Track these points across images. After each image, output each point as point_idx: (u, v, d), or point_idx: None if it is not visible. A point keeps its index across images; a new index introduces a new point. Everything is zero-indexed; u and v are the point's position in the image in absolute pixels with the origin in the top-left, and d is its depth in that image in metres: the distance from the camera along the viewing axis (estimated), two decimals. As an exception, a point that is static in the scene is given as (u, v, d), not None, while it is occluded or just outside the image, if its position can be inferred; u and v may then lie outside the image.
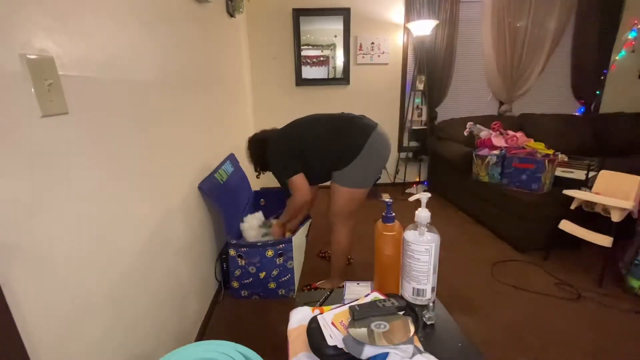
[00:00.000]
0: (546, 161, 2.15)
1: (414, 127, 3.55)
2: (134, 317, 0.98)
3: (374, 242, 0.82)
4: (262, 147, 1.63)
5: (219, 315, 1.68)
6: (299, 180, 1.54)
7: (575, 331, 1.52)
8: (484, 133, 2.69)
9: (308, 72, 3.37)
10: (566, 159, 2.47)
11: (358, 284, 0.88)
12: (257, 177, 1.79)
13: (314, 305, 0.79)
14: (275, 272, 1.73)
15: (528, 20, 3.30)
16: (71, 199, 0.74)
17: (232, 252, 1.71)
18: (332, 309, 0.71)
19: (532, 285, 1.86)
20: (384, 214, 0.80)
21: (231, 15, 2.42)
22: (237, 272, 1.74)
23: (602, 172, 1.98)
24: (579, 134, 3.20)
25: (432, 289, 0.78)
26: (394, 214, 0.80)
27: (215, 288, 1.80)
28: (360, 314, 0.65)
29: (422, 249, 0.73)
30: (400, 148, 3.69)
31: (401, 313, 0.68)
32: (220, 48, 2.14)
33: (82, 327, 0.76)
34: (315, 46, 3.31)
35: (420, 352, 0.60)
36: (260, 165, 1.72)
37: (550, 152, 2.29)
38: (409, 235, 0.76)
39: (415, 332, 0.64)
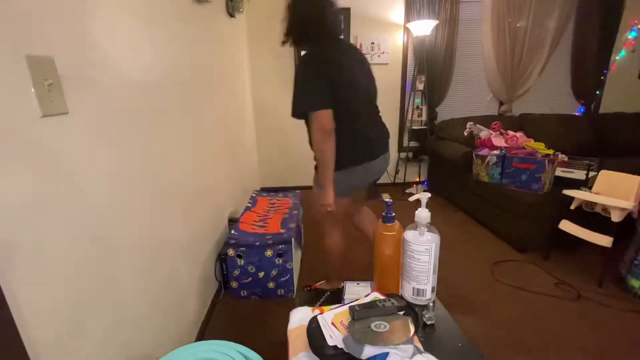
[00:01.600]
0: (546, 161, 2.15)
1: (414, 127, 3.55)
2: (134, 317, 0.98)
3: (374, 242, 0.82)
4: (314, 27, 1.30)
5: (219, 315, 1.68)
6: (323, 115, 1.23)
7: (575, 331, 1.52)
8: (484, 133, 2.69)
9: (308, 72, 3.36)
10: (566, 159, 2.47)
11: (358, 284, 0.88)
12: (283, 44, 1.41)
13: (314, 305, 0.79)
14: (274, 272, 1.73)
15: (528, 20, 3.30)
16: (71, 199, 0.74)
17: (231, 251, 1.71)
18: (332, 309, 0.71)
19: (532, 285, 1.86)
20: (384, 214, 0.80)
21: (231, 15, 2.42)
22: (236, 272, 1.74)
23: (602, 172, 1.98)
24: (579, 134, 3.20)
25: (432, 289, 0.78)
26: (394, 214, 0.79)
27: (215, 288, 1.80)
28: (360, 314, 0.65)
29: (422, 249, 0.73)
30: (400, 148, 3.69)
31: (401, 313, 0.68)
32: (220, 48, 2.13)
33: (82, 327, 0.76)
34: (315, 46, 3.31)
35: (420, 352, 0.60)
36: (298, 36, 1.35)
37: (550, 152, 2.29)
38: (409, 235, 0.76)
39: (415, 332, 0.64)
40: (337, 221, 1.56)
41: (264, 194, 2.48)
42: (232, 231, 1.79)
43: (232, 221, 2.06)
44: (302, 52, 1.36)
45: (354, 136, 1.35)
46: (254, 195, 2.41)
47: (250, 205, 2.22)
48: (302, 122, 1.37)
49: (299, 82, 1.27)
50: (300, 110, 1.28)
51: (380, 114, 1.48)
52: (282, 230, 1.86)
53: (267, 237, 1.76)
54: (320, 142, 1.28)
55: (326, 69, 1.23)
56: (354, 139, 1.35)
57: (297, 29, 1.35)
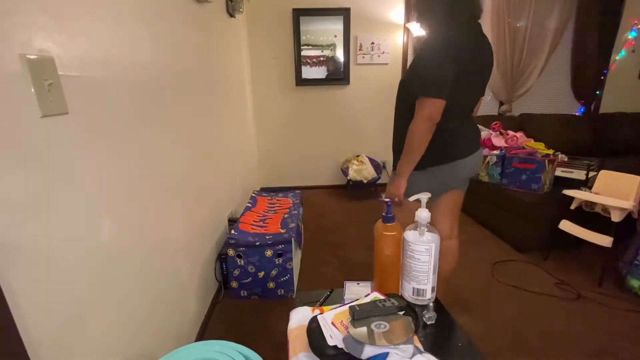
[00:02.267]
0: (546, 161, 2.15)
1: (414, 127, 3.54)
2: (134, 317, 0.98)
3: (374, 242, 0.82)
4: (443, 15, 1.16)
5: (219, 315, 1.68)
6: (439, 105, 1.10)
7: (575, 331, 1.52)
8: (484, 133, 2.69)
9: (308, 72, 3.37)
10: (566, 159, 2.47)
11: (358, 284, 0.88)
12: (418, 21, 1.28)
13: (314, 305, 0.79)
14: (274, 272, 1.73)
15: (528, 20, 3.30)
16: (71, 199, 0.74)
17: (230, 251, 1.71)
18: (332, 309, 0.71)
19: (532, 285, 1.86)
20: (384, 214, 0.80)
21: (231, 15, 2.42)
22: (236, 272, 1.74)
23: (602, 172, 1.98)
24: (579, 134, 3.20)
25: (432, 289, 0.78)
26: (394, 214, 0.79)
27: (215, 288, 1.80)
28: (360, 314, 0.65)
29: (422, 249, 0.73)
30: (400, 148, 3.69)
31: (401, 313, 0.68)
32: (220, 48, 2.14)
33: (82, 327, 0.76)
34: (315, 46, 3.31)
35: (420, 352, 0.59)
36: (428, 16, 1.22)
37: (550, 152, 2.29)
38: (409, 235, 0.76)
39: (415, 332, 0.64)
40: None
41: (264, 194, 2.48)
42: (232, 231, 1.79)
43: (232, 221, 2.06)
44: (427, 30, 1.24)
45: (447, 134, 1.20)
46: (254, 195, 2.41)
47: (250, 205, 2.22)
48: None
49: (425, 61, 1.15)
50: (417, 90, 1.13)
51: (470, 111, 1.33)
52: (282, 230, 1.86)
53: (267, 237, 1.77)
54: (422, 129, 1.13)
55: (456, 58, 1.10)
56: (445, 138, 1.21)
57: (439, 4, 1.17)
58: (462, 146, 1.26)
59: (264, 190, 2.57)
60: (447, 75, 1.10)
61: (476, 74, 1.22)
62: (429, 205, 0.78)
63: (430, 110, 1.11)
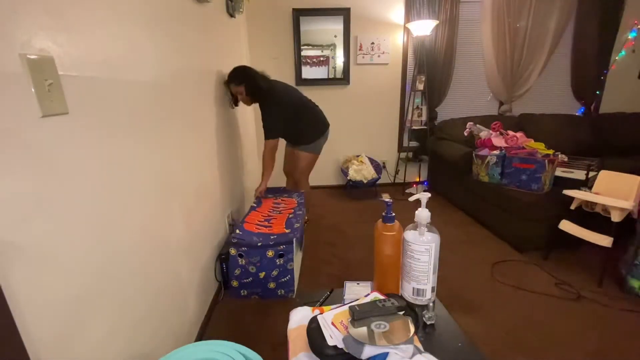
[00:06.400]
0: (546, 161, 2.15)
1: (414, 127, 3.55)
2: (134, 317, 0.98)
3: (374, 242, 0.82)
4: (260, 91, 2.19)
5: (219, 315, 1.68)
6: (274, 143, 2.24)
7: (575, 331, 1.52)
8: (484, 133, 2.69)
9: (308, 72, 3.37)
10: (566, 159, 2.47)
11: (358, 284, 0.88)
12: (236, 105, 2.38)
13: (314, 305, 0.79)
14: (275, 273, 1.73)
15: (528, 20, 3.30)
16: (71, 199, 0.74)
17: (232, 251, 1.71)
18: (332, 309, 0.71)
19: (532, 285, 1.86)
20: (384, 214, 0.80)
21: (231, 15, 2.42)
22: (237, 272, 1.74)
23: (602, 172, 1.98)
24: (579, 134, 3.20)
25: (432, 289, 0.78)
26: (394, 214, 0.79)
27: (215, 288, 1.80)
28: (360, 314, 0.65)
29: (422, 249, 0.73)
30: (400, 148, 3.69)
31: (401, 313, 0.68)
32: (221, 48, 2.14)
33: (83, 327, 0.76)
34: (315, 46, 3.31)
35: (420, 352, 0.60)
36: (252, 96, 2.21)
37: (550, 152, 2.29)
38: (409, 235, 0.76)
39: (415, 332, 0.64)
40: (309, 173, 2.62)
41: (269, 195, 2.48)
42: (237, 231, 1.80)
43: (233, 222, 2.06)
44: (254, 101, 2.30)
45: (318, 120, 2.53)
46: (258, 195, 2.41)
47: (255, 205, 2.22)
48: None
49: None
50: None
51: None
52: (286, 231, 1.86)
53: (271, 237, 1.77)
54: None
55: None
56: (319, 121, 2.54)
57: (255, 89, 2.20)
58: (323, 122, 2.52)
59: (269, 190, 2.56)
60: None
61: None
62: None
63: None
